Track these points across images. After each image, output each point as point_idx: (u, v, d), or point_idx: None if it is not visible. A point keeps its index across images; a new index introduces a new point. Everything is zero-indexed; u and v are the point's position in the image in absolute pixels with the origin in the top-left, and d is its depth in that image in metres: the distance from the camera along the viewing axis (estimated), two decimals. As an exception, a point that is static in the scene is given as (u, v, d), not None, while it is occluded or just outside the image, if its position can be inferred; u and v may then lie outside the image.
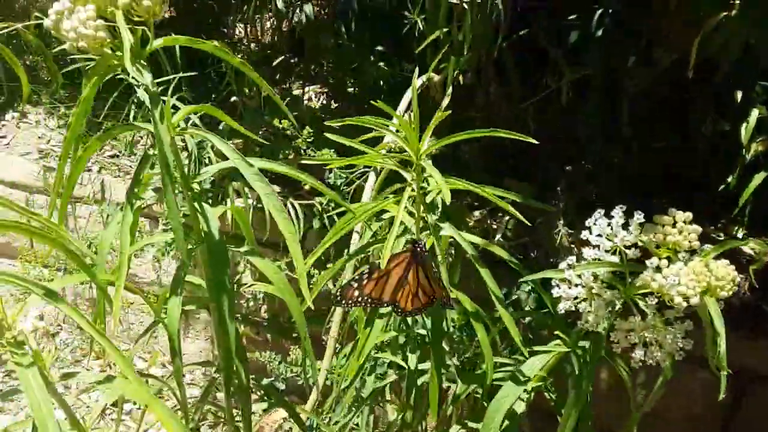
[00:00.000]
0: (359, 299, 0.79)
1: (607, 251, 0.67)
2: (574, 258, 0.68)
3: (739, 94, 1.86)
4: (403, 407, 1.05)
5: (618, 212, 0.67)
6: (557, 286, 0.68)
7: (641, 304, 0.69)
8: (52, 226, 0.54)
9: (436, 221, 0.80)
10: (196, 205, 0.71)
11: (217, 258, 0.71)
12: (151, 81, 0.64)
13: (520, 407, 0.83)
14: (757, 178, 1.74)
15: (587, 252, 0.68)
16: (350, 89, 2.65)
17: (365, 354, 0.80)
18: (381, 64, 2.42)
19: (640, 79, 1.91)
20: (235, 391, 0.80)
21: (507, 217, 2.07)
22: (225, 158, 0.69)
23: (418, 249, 0.79)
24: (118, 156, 2.46)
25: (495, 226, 2.08)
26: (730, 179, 1.82)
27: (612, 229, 0.67)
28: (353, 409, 1.30)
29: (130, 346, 2.15)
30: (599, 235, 0.68)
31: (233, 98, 2.40)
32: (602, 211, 0.68)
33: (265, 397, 1.13)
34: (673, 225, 0.63)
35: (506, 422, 0.82)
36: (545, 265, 1.95)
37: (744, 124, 1.85)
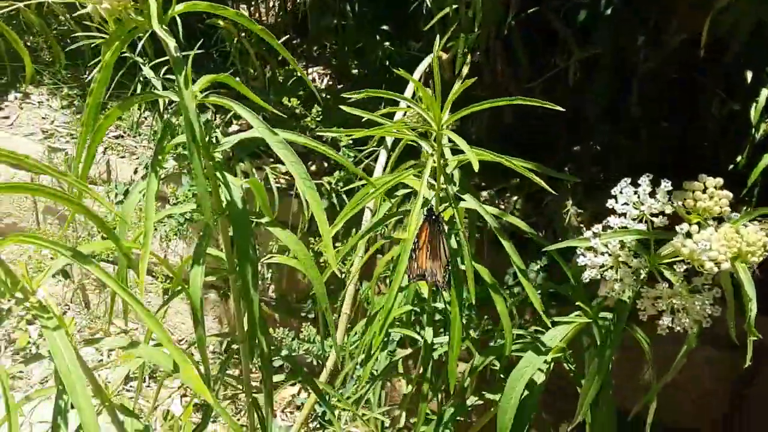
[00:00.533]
0: (418, 272, 0.80)
1: (633, 219, 0.66)
2: (600, 226, 0.68)
3: (750, 74, 1.85)
4: (418, 381, 1.05)
5: (645, 180, 0.66)
6: (583, 254, 0.68)
7: (666, 273, 0.69)
8: (79, 185, 0.54)
9: (456, 192, 0.79)
10: (218, 174, 0.71)
11: (240, 226, 0.71)
12: (174, 46, 0.64)
13: (540, 378, 0.83)
14: (766, 158, 1.74)
15: (613, 220, 0.67)
16: (354, 70, 2.62)
17: (388, 323, 0.80)
18: (386, 44, 2.40)
19: (650, 58, 1.90)
20: (259, 361, 0.80)
21: (515, 198, 2.07)
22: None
23: (434, 216, 0.79)
24: (122, 137, 2.44)
25: (503, 207, 2.07)
26: (739, 159, 1.82)
27: (639, 197, 0.66)
28: (365, 385, 1.31)
29: (137, 326, 2.16)
30: (625, 204, 0.67)
31: (237, 78, 2.38)
32: (628, 180, 0.68)
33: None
34: (704, 191, 0.63)
35: (526, 392, 0.82)
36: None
37: (754, 104, 1.85)
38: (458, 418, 0.94)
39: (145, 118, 2.53)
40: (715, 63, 1.91)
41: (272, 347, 0.88)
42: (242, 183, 0.78)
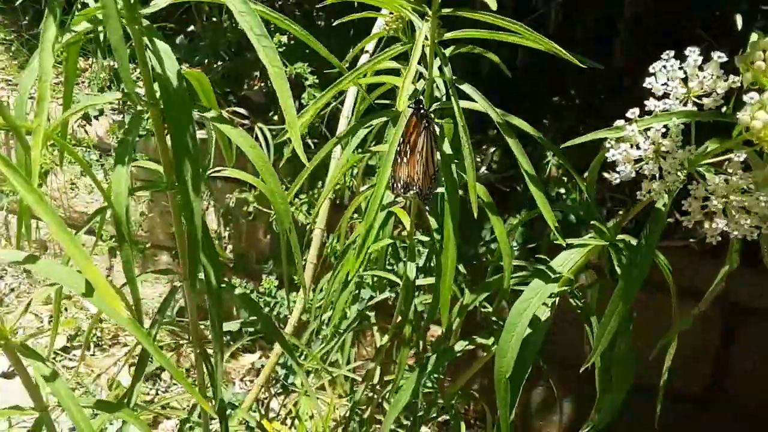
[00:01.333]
0: (404, 182, 0.65)
1: (677, 100, 0.53)
2: (636, 110, 0.54)
3: (739, 19, 1.76)
4: (396, 329, 0.91)
5: (695, 51, 0.53)
6: (612, 147, 0.54)
7: (707, 176, 0.56)
8: None
9: (454, 79, 0.64)
10: (146, 40, 0.54)
11: (177, 111, 0.54)
12: None
13: (545, 314, 0.70)
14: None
15: (652, 103, 0.54)
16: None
17: (366, 250, 0.65)
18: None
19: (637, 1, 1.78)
20: (207, 294, 0.64)
21: (492, 149, 1.94)
22: None
23: (423, 112, 0.64)
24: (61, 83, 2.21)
25: (480, 158, 1.95)
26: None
27: (686, 72, 0.53)
28: (333, 339, 1.16)
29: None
30: (666, 83, 0.54)
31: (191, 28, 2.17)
32: (671, 53, 0.54)
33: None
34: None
35: (528, 330, 0.69)
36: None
37: (740, 51, 1.75)
38: (444, 365, 0.80)
39: (89, 65, 2.30)
40: (702, 6, 1.81)
41: (223, 284, 0.72)
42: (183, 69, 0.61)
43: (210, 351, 0.83)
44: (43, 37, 0.45)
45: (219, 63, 1.98)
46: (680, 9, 1.86)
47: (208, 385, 0.85)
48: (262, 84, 2.12)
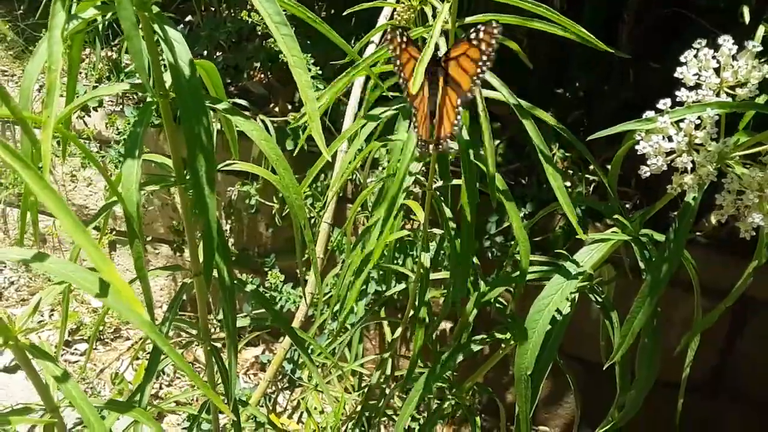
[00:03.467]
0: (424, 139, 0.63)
1: (711, 90, 0.51)
2: (668, 100, 0.52)
3: (746, 10, 1.74)
4: (408, 323, 0.89)
5: (729, 40, 0.51)
6: (643, 140, 0.53)
7: (738, 169, 0.54)
8: None
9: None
10: (156, 28, 0.52)
11: (189, 100, 0.52)
12: None
13: (566, 308, 0.68)
14: (759, 100, 1.64)
15: (684, 93, 0.52)
16: None
17: (385, 236, 0.63)
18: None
19: (644, -11, 1.76)
20: (220, 291, 0.62)
21: (497, 142, 1.93)
22: None
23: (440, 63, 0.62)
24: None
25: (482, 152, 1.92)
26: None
27: (719, 62, 0.51)
28: (341, 335, 1.15)
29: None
30: (698, 73, 0.52)
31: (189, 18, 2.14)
32: (703, 42, 0.52)
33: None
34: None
35: (548, 326, 0.67)
36: (538, 192, 1.81)
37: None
38: (458, 361, 0.79)
39: (86, 56, 2.26)
40: (708, -1, 1.79)
41: (235, 281, 0.70)
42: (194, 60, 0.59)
43: (217, 345, 0.82)
44: (51, 22, 0.43)
45: (219, 54, 1.95)
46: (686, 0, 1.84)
47: (218, 380, 0.84)
48: (262, 75, 2.09)
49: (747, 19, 1.85)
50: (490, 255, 1.70)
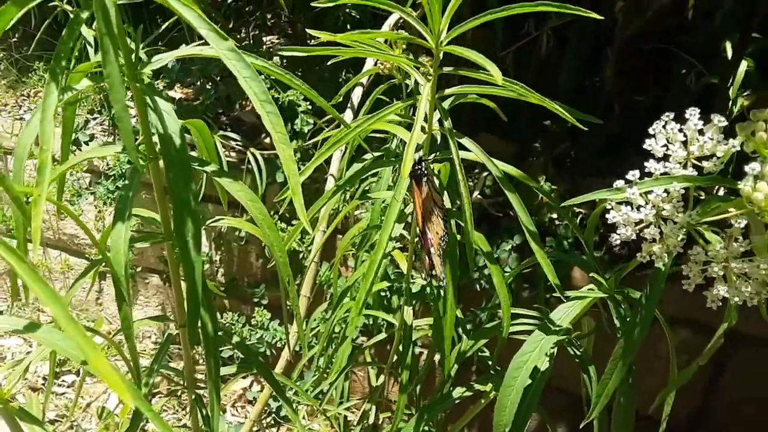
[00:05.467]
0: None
1: (678, 163, 0.53)
2: (637, 172, 0.54)
3: (729, 45, 1.78)
4: (391, 370, 0.90)
5: (695, 114, 0.53)
6: (613, 209, 0.55)
7: (707, 235, 0.56)
8: None
9: (455, 133, 0.64)
10: (147, 99, 0.53)
11: (178, 168, 0.54)
12: None
13: (544, 364, 0.70)
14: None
15: (652, 165, 0.54)
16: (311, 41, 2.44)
17: (368, 295, 0.65)
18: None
19: (628, 25, 1.80)
20: (204, 347, 0.63)
21: (485, 173, 1.95)
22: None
23: (422, 170, 0.64)
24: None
25: (472, 183, 1.95)
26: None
27: (685, 135, 0.53)
28: (325, 375, 1.15)
29: (73, 312, 1.92)
30: (666, 145, 0.54)
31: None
32: (671, 115, 0.55)
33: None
34: (770, 126, 0.50)
35: (528, 381, 0.69)
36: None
37: (731, 78, 1.78)
38: (441, 413, 0.80)
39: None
40: (692, 34, 1.83)
41: (220, 332, 0.71)
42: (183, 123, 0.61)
43: (202, 391, 0.83)
44: (43, 103, 0.45)
45: (210, 85, 1.97)
46: (669, 36, 1.89)
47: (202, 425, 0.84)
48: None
49: (729, 54, 1.89)
50: (478, 287, 1.71)
